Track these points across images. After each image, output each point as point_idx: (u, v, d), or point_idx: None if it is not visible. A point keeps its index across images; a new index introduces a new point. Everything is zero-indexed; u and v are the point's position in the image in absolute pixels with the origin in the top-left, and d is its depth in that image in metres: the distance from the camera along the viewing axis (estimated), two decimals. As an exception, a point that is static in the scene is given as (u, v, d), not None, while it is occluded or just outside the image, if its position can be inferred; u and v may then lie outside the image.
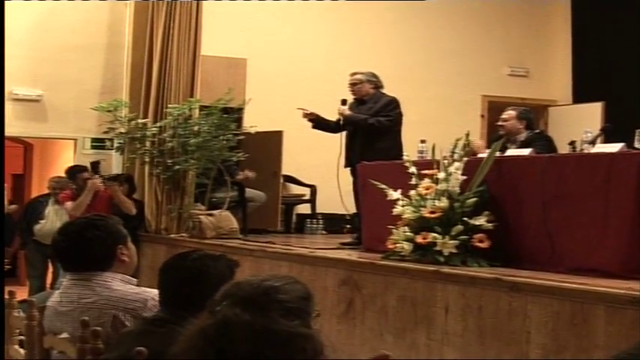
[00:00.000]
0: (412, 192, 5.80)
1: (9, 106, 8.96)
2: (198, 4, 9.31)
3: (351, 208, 7.53)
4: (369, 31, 10.77)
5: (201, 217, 8.22)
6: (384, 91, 7.57)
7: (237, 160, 8.71)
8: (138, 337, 2.64)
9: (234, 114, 8.86)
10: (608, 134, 6.34)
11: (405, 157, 6.11)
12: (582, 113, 10.43)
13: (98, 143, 9.66)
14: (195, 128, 8.72)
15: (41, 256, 8.64)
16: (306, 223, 9.78)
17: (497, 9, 11.36)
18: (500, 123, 7.17)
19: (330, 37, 10.64)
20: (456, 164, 5.68)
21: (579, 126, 7.40)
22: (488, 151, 6.17)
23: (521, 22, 11.49)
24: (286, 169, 9.82)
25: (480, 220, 5.45)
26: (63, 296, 3.18)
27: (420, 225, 5.63)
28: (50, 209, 8.81)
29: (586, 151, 5.75)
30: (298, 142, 9.49)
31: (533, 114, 7.60)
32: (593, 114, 10.10)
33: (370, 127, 7.27)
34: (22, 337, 3.43)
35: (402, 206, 5.78)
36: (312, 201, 10.17)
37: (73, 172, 8.73)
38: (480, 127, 10.76)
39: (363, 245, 6.78)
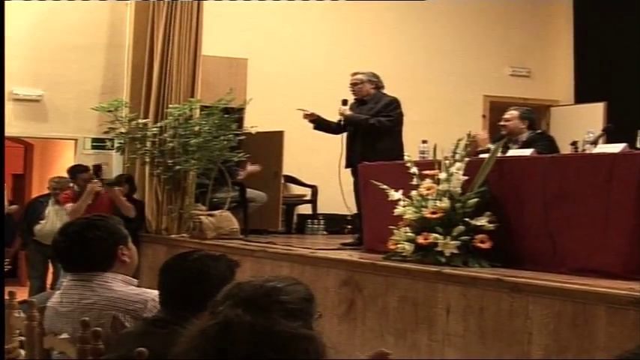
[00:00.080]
0: (413, 192, 5.79)
1: (9, 106, 8.97)
2: (198, 4, 9.31)
3: (353, 208, 7.52)
4: (370, 31, 10.77)
5: (201, 217, 8.21)
6: (385, 91, 7.56)
7: (237, 161, 8.71)
8: (138, 337, 2.63)
9: (234, 114, 8.85)
10: (610, 134, 6.32)
11: (406, 158, 6.09)
12: (584, 113, 10.43)
13: (98, 143, 9.66)
14: (196, 128, 8.71)
15: (42, 256, 8.64)
16: (307, 223, 9.78)
17: (498, 9, 11.35)
18: (502, 123, 7.17)
19: (331, 37, 10.64)
20: (458, 164, 5.67)
21: (581, 126, 7.40)
22: (491, 146, 6.16)
23: (523, 22, 11.48)
24: (287, 170, 9.81)
25: (482, 221, 5.44)
26: (63, 297, 3.17)
27: (422, 225, 5.62)
28: (50, 209, 8.81)
29: (588, 152, 5.74)
30: (299, 142, 9.49)
31: (535, 114, 7.59)
32: (595, 114, 10.10)
33: (371, 128, 7.26)
34: (22, 338, 3.42)
35: (404, 207, 5.77)
36: (313, 201, 10.17)
37: (75, 171, 8.74)
38: (481, 127, 10.72)
39: (364, 246, 6.77)
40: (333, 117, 7.61)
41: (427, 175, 5.78)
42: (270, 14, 10.27)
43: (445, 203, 5.53)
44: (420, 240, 5.56)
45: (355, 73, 7.60)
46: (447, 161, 5.75)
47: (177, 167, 8.70)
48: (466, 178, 5.63)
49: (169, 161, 8.78)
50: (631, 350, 1.75)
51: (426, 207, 5.62)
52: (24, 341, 3.37)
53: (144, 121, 8.95)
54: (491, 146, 6.12)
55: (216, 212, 8.33)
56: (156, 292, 2.93)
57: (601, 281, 4.47)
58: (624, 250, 4.81)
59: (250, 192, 8.96)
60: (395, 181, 6.01)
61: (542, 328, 4.42)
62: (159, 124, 8.90)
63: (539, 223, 5.30)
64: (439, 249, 5.44)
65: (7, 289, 3.73)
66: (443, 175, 5.67)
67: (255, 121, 8.93)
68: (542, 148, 6.29)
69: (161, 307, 2.82)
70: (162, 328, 2.65)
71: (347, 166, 7.46)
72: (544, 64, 11.59)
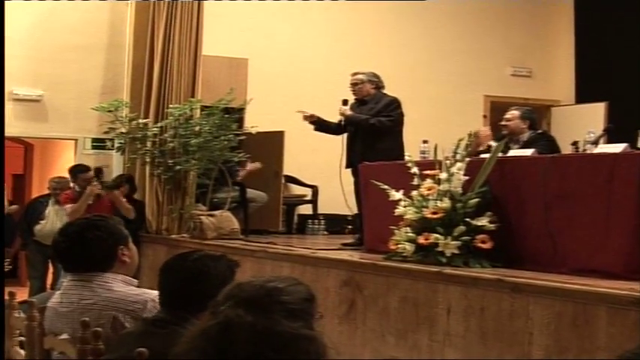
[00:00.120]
0: (414, 192, 5.78)
1: (9, 106, 8.96)
2: (199, 4, 9.31)
3: (354, 209, 7.52)
4: (371, 30, 10.77)
5: (202, 217, 8.21)
6: (386, 91, 7.55)
7: (238, 161, 8.71)
8: (139, 338, 2.63)
9: (235, 114, 8.85)
10: (611, 134, 6.32)
11: (406, 158, 6.09)
12: (585, 113, 10.42)
13: (99, 143, 9.66)
14: (197, 128, 8.71)
15: (42, 256, 8.63)
16: (308, 223, 9.78)
17: (499, 9, 11.35)
18: (503, 123, 7.16)
19: (331, 37, 10.64)
20: (458, 164, 5.66)
21: (582, 126, 7.40)
22: (493, 143, 6.16)
23: (524, 22, 11.48)
24: (288, 170, 9.81)
25: (483, 221, 5.43)
26: (63, 297, 3.17)
27: (422, 226, 5.61)
28: (50, 210, 8.81)
29: (589, 152, 5.74)
30: (300, 142, 9.48)
31: (536, 114, 7.59)
32: (596, 114, 10.09)
33: (371, 128, 7.25)
34: (22, 338, 3.42)
35: (404, 207, 5.77)
36: (313, 201, 10.16)
37: (75, 171, 8.72)
38: (482, 127, 10.74)
39: (365, 246, 6.77)
40: (334, 117, 7.61)
41: (428, 175, 5.77)
42: (270, 14, 10.28)
43: (446, 203, 5.53)
44: (421, 240, 5.55)
45: (355, 73, 7.59)
46: (448, 161, 5.74)
47: (178, 167, 8.70)
48: (467, 178, 5.63)
49: (170, 161, 8.78)
50: (632, 350, 1.75)
51: (426, 207, 5.62)
52: (24, 341, 3.37)
53: (144, 121, 8.95)
54: (493, 143, 6.12)
55: (216, 212, 8.33)
56: (156, 293, 2.93)
57: (602, 281, 4.47)
58: (625, 251, 4.81)
59: (251, 192, 8.96)
60: (395, 181, 6.01)
61: (542, 329, 4.41)
62: (159, 124, 8.89)
63: (539, 223, 5.30)
64: (440, 249, 5.43)
65: (7, 290, 3.73)
66: (444, 175, 5.66)
67: (255, 121, 8.93)
68: (543, 148, 6.29)
69: (161, 308, 2.81)
70: (162, 329, 2.65)
71: (347, 166, 7.45)
72: (545, 64, 11.59)
